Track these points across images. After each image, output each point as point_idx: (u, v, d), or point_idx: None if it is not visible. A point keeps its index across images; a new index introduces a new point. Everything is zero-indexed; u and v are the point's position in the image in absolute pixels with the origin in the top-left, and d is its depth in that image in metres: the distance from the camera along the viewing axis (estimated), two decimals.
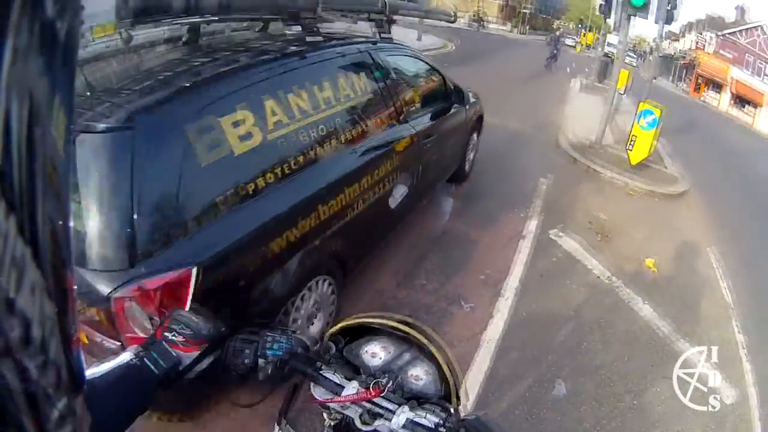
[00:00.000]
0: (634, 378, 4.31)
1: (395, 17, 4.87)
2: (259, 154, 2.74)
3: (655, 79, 13.78)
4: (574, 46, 53.99)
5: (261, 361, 1.22)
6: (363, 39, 4.27)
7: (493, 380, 3.84)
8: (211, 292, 2.34)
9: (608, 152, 11.00)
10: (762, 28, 48.54)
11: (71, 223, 0.54)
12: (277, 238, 2.79)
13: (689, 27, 58.41)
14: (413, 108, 4.67)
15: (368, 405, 1.22)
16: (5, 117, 0.39)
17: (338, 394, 1.22)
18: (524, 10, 71.95)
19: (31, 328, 0.44)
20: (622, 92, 13.75)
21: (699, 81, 51.46)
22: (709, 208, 9.71)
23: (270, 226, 2.75)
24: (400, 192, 4.23)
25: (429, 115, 4.93)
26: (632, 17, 10.29)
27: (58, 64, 0.45)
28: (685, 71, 56.88)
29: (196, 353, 1.17)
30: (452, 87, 5.80)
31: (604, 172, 9.78)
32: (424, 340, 1.32)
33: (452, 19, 7.26)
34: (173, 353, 1.15)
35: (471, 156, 7.24)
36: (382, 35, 4.67)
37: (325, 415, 1.30)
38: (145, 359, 1.11)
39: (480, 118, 7.06)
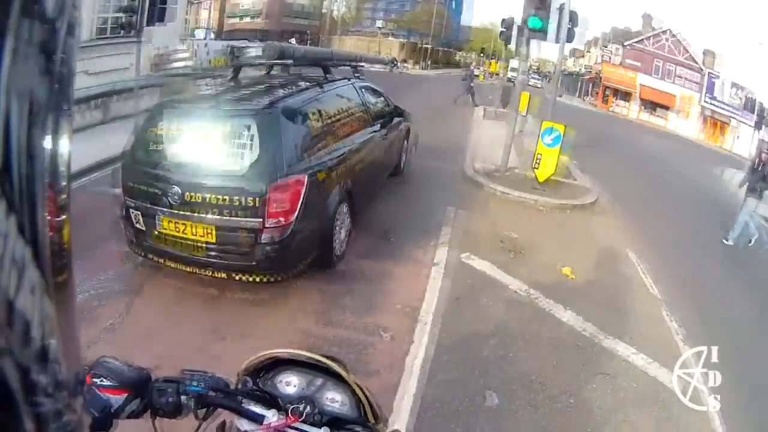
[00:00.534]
0: (567, 379, 4.98)
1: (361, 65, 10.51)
2: (320, 131, 6.26)
3: (560, 97, 15.33)
4: (478, 75, 57.37)
5: (184, 398, 1.42)
6: (348, 78, 8.67)
7: (424, 402, 4.35)
8: (310, 187, 5.47)
9: (515, 174, 12.26)
10: (670, 32, 53.76)
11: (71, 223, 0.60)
12: (331, 173, 6.17)
13: (594, 42, 63.22)
14: (376, 116, 8.75)
15: (291, 431, 1.44)
16: (5, 117, 0.43)
17: (261, 423, 1.43)
18: (425, 46, 75.85)
19: (31, 328, 0.47)
20: (525, 114, 15.82)
21: (606, 92, 55.88)
22: (622, 213, 11.08)
23: (328, 165, 6.10)
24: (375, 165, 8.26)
25: (383, 122, 8.99)
26: (532, 40, 11.65)
27: (58, 63, 0.50)
28: (591, 85, 62.00)
29: (125, 395, 1.36)
30: (394, 106, 10.18)
31: (512, 193, 10.88)
32: (332, 364, 1.52)
33: (390, 65, 12.27)
34: (103, 397, 1.34)
35: (404, 157, 10.94)
36: (357, 76, 9.26)
37: None
38: None
39: (409, 129, 11.13)
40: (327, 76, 7.97)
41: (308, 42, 61.25)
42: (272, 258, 5.33)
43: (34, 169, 0.47)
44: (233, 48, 7.90)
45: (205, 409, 1.47)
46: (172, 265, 5.62)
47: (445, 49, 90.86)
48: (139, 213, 5.53)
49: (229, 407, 1.47)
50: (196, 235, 5.32)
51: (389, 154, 9.35)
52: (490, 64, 50.82)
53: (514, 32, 14.76)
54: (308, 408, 1.46)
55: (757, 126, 30.10)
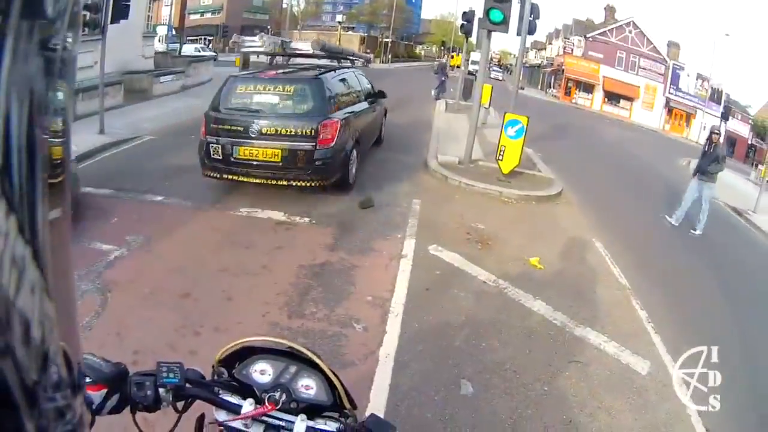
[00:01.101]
0: (540, 367, 5.08)
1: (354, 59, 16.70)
2: (341, 97, 9.78)
3: (522, 89, 15.63)
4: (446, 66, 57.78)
5: (162, 390, 1.43)
6: (349, 67, 13.40)
7: (399, 391, 4.41)
8: (341, 127, 8.81)
9: (479, 166, 12.44)
10: (633, 23, 54.71)
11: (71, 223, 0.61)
12: (348, 124, 9.38)
13: (556, 34, 63.91)
14: (367, 96, 11.84)
15: (269, 419, 1.48)
16: (5, 117, 0.43)
17: (239, 413, 1.47)
18: (386, 40, 75.96)
19: (31, 328, 0.47)
20: (487, 107, 16.40)
21: (569, 85, 56.53)
22: (587, 204, 11.33)
23: (347, 118, 9.38)
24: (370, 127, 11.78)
25: (370, 100, 12.00)
26: (492, 33, 11.85)
27: (58, 63, 0.51)
28: (553, 77, 62.76)
29: (104, 391, 1.37)
30: (378, 90, 12.98)
31: (476, 185, 11.02)
32: (305, 351, 1.57)
33: (367, 61, 19.66)
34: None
35: (383, 130, 14.07)
36: (355, 65, 15.46)
37: None
38: None
39: (386, 109, 14.42)
40: (339, 63, 13.04)
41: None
42: (320, 169, 8.51)
43: (34, 169, 0.48)
44: (283, 41, 13.70)
45: (183, 402, 1.50)
46: (243, 179, 8.58)
47: (406, 42, 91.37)
48: (219, 146, 8.43)
49: (206, 398, 1.51)
50: (266, 157, 8.35)
51: (375, 124, 12.70)
52: (452, 57, 51.05)
53: (475, 25, 15.10)
54: (284, 396, 1.51)
55: (723, 117, 30.66)
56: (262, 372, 1.58)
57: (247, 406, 1.47)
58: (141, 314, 5.10)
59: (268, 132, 8.30)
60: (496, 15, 10.86)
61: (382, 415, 1.65)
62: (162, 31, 38.60)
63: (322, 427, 1.48)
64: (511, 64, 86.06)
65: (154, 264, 6.19)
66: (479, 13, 12.54)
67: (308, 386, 1.56)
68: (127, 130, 13.05)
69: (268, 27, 64.58)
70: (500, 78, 58.02)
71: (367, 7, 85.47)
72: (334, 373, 1.55)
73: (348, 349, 4.85)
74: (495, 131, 13.35)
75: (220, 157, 8.41)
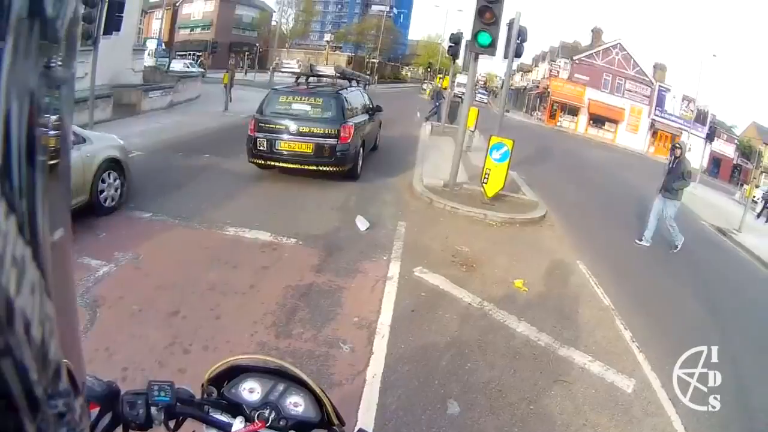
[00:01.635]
0: (526, 387, 5.18)
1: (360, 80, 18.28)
2: (352, 108, 13.01)
3: (508, 112, 15.98)
4: (425, 90, 58.40)
5: (153, 409, 1.43)
6: (356, 86, 15.47)
7: (387, 411, 4.49)
8: (354, 130, 12.06)
9: (464, 189, 12.60)
10: (620, 45, 55.33)
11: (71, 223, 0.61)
12: (358, 129, 12.60)
13: (542, 56, 64.39)
14: (368, 109, 14.83)
15: None
16: (5, 117, 0.43)
17: (229, 431, 1.50)
18: (372, 60, 76.38)
19: (31, 328, 0.47)
20: (473, 130, 16.95)
21: (554, 108, 57.01)
22: (571, 227, 11.55)
23: (357, 124, 12.63)
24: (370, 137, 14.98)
25: (370, 112, 14.91)
26: (479, 56, 12.07)
27: (58, 64, 0.52)
28: (539, 100, 63.25)
29: (97, 410, 1.36)
30: (376, 105, 15.79)
31: (461, 208, 11.17)
32: (293, 368, 1.61)
33: (367, 83, 23.07)
34: None
35: (379, 139, 17.19)
36: (362, 85, 17.30)
37: None
38: None
39: (381, 122, 17.36)
40: (351, 83, 15.00)
41: (257, 55, 61.24)
42: (340, 159, 11.67)
43: (34, 169, 0.48)
44: (311, 65, 15.85)
45: (174, 420, 1.51)
46: (283, 165, 11.73)
47: (392, 63, 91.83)
48: (264, 140, 11.55)
49: (197, 417, 1.54)
50: (301, 149, 11.53)
51: (373, 131, 15.93)
52: (441, 79, 51.66)
53: (462, 47, 15.37)
54: (273, 413, 1.54)
55: (709, 138, 31.06)
56: (251, 390, 1.61)
57: (238, 424, 1.51)
58: (130, 330, 5.12)
59: (302, 131, 11.51)
60: (485, 38, 11.01)
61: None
62: (152, 45, 38.73)
63: None
64: (496, 87, 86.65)
65: (142, 281, 6.20)
66: (467, 36, 13.56)
67: (296, 403, 1.59)
68: None
69: (257, 45, 64.89)
70: (485, 101, 58.40)
71: (355, 27, 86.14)
72: (321, 390, 1.59)
73: (336, 369, 4.92)
74: (480, 154, 13.72)
75: (265, 149, 11.58)
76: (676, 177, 10.72)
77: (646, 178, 20.45)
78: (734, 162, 52.65)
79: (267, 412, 1.54)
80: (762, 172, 39.92)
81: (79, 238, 6.94)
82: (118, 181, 8.49)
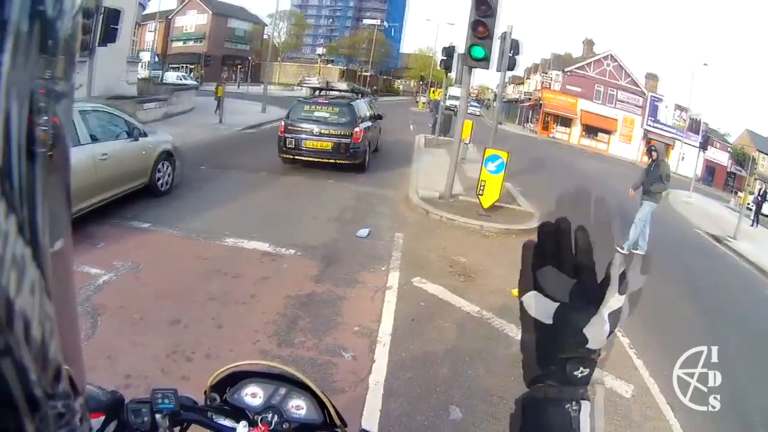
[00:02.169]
0: None
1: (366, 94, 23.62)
2: (362, 115, 16.29)
3: (500, 124, 16.30)
4: (418, 102, 58.70)
5: (158, 416, 1.45)
6: (363, 96, 20.33)
7: (390, 417, 4.56)
8: (364, 133, 15.22)
9: (459, 201, 12.71)
10: (612, 56, 55.63)
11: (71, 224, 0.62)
12: (366, 131, 15.70)
13: (535, 68, 64.67)
14: (372, 116, 18.21)
15: None
16: (5, 117, 0.43)
17: None
18: (364, 73, 76.69)
19: (31, 328, 0.47)
20: (468, 142, 17.70)
21: (547, 119, 57.28)
22: None
23: (365, 128, 15.69)
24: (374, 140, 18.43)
25: (373, 119, 18.23)
26: (473, 69, 12.19)
27: (59, 64, 0.52)
28: (531, 112, 63.50)
29: (101, 418, 1.36)
30: (378, 113, 19.57)
31: (458, 219, 11.27)
32: (294, 372, 1.64)
33: (372, 96, 30.30)
34: None
35: (379, 143, 19.77)
36: (367, 96, 23.47)
37: None
38: None
39: (381, 128, 20.22)
40: (359, 96, 18.45)
41: (250, 67, 61.43)
42: (353, 155, 14.60)
43: (34, 169, 0.48)
44: (328, 81, 19.35)
45: (179, 427, 1.54)
46: (306, 159, 14.57)
47: (385, 76, 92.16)
48: (292, 140, 14.32)
49: (201, 423, 1.56)
50: (322, 146, 14.35)
51: (376, 136, 18.65)
52: (435, 91, 51.90)
53: (455, 60, 15.55)
54: (276, 417, 1.57)
55: (702, 146, 31.22)
56: (253, 395, 1.64)
57: (241, 428, 1.52)
58: (132, 339, 5.18)
59: (323, 133, 14.45)
60: (478, 51, 11.08)
61: None
62: (145, 56, 38.83)
63: None
64: (489, 99, 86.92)
65: (142, 290, 6.26)
66: (459, 48, 13.83)
67: (299, 406, 1.62)
68: None
69: (249, 57, 65.06)
70: (478, 113, 58.53)
71: (348, 40, 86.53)
72: (323, 392, 1.62)
73: (338, 377, 4.99)
74: (474, 166, 13.92)
75: (293, 146, 14.44)
76: (654, 179, 10.72)
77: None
78: (728, 169, 52.95)
79: (270, 416, 1.57)
80: (756, 179, 40.23)
81: (78, 247, 6.92)
82: (170, 170, 10.70)
